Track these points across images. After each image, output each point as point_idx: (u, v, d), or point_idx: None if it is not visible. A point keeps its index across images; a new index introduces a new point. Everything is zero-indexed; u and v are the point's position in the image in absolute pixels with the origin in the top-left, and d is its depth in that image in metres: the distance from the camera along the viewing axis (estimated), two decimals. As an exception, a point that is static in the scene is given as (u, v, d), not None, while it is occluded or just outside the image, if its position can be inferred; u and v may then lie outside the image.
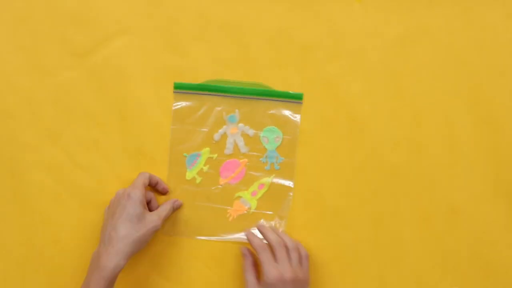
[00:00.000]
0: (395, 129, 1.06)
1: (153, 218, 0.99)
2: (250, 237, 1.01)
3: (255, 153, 1.01)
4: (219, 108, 0.95)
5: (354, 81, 1.06)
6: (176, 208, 1.06)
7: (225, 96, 0.98)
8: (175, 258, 1.08)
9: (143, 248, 0.99)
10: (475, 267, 1.06)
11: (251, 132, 0.95)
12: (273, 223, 1.03)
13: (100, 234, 1.00)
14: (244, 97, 0.98)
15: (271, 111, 0.97)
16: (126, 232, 0.96)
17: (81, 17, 1.08)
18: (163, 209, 1.03)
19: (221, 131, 0.97)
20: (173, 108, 0.97)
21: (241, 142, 0.95)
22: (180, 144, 1.04)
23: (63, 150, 1.09)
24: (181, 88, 0.98)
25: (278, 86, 1.02)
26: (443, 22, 1.05)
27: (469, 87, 1.05)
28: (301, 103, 0.98)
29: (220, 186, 1.04)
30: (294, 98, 1.00)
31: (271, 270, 0.96)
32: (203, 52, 1.07)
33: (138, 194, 0.99)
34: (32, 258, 1.09)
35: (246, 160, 0.99)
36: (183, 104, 0.96)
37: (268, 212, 1.05)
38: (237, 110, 0.95)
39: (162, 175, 1.07)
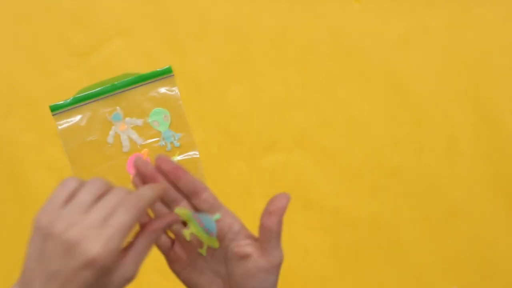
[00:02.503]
0: (395, 129, 1.06)
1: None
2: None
3: (152, 140, 0.95)
4: (100, 113, 0.92)
5: (354, 81, 1.06)
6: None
7: (101, 99, 0.94)
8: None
9: None
10: (474, 266, 1.06)
11: (139, 122, 0.92)
12: None
13: None
14: (118, 93, 0.95)
15: (149, 94, 0.94)
16: None
17: (82, 17, 1.08)
18: None
19: (111, 132, 0.92)
20: (58, 128, 0.92)
21: (134, 135, 0.91)
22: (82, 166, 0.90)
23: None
24: (58, 109, 0.94)
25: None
26: (443, 22, 1.06)
27: (468, 87, 1.05)
28: (173, 75, 0.95)
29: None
30: (164, 74, 0.97)
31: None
32: (203, 52, 1.07)
33: None
34: (33, 258, 1.09)
35: (146, 150, 0.95)
36: (65, 123, 0.91)
37: None
38: (118, 108, 0.92)
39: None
